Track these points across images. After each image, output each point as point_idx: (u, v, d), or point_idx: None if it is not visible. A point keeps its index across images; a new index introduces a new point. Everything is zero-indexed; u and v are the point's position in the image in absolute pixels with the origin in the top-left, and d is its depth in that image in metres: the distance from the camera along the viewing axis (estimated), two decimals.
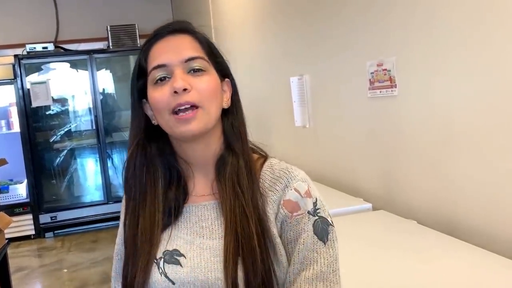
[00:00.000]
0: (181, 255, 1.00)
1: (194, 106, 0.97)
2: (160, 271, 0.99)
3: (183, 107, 0.96)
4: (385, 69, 2.15)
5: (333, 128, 2.78)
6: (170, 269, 0.99)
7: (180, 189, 1.05)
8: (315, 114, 2.99)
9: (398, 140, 2.16)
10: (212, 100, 1.00)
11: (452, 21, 1.75)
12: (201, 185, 1.06)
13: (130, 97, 1.06)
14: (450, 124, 1.82)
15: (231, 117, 1.07)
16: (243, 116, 1.09)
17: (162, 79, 0.99)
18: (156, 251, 1.01)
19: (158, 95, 0.98)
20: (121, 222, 1.13)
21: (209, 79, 1.00)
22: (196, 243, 1.00)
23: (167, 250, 1.01)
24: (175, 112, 0.97)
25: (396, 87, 2.10)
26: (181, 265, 0.99)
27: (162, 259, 1.00)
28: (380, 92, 2.22)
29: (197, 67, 0.99)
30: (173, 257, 1.00)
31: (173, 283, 0.98)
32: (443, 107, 1.85)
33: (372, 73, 2.26)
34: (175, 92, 0.96)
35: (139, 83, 1.04)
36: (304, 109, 3.07)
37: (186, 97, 0.96)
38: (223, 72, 1.06)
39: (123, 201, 1.13)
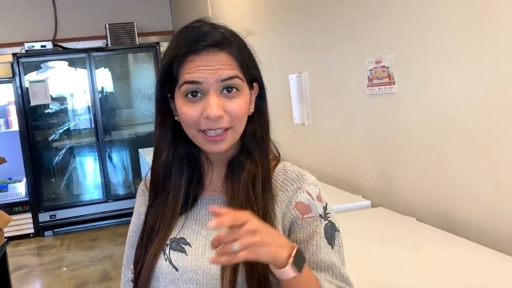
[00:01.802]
0: (187, 243, 1.02)
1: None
2: (165, 257, 1.02)
3: (213, 132, 0.97)
4: (384, 66, 2.15)
5: (332, 125, 2.78)
6: (175, 256, 1.02)
7: (200, 184, 1.09)
8: (314, 112, 2.99)
9: (397, 137, 2.16)
10: (242, 120, 1.01)
11: (450, 18, 1.75)
12: (216, 181, 1.09)
13: (155, 96, 1.05)
14: (449, 121, 1.82)
15: (254, 123, 1.06)
16: (267, 121, 1.09)
17: (194, 94, 0.97)
18: (167, 238, 1.04)
19: (188, 112, 0.98)
20: (134, 210, 1.17)
21: (241, 100, 0.99)
22: (203, 234, 1.03)
23: (174, 238, 1.04)
24: (204, 131, 0.98)
25: (394, 84, 2.10)
26: (186, 253, 1.01)
27: (169, 246, 1.03)
28: (379, 89, 2.22)
29: (231, 86, 0.98)
30: (179, 244, 1.03)
31: (177, 270, 1.01)
32: (441, 104, 1.85)
33: (370, 70, 2.26)
34: (208, 118, 0.96)
35: (165, 86, 1.02)
36: (303, 107, 3.07)
37: (219, 124, 0.97)
38: (254, 79, 1.05)
39: (140, 190, 1.17)
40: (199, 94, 0.97)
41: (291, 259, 0.85)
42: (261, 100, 1.08)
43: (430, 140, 1.94)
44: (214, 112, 0.95)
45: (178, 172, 1.06)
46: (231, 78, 0.97)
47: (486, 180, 1.68)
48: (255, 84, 1.06)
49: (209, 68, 0.96)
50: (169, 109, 1.05)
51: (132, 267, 1.10)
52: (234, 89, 0.98)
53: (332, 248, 1.02)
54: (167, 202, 1.06)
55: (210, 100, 0.96)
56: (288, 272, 0.85)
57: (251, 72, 1.03)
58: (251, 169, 1.03)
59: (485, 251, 1.55)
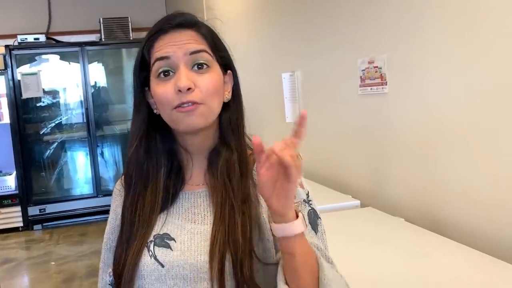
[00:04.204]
0: (172, 239, 1.01)
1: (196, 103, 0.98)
2: (150, 253, 1.00)
3: (185, 105, 0.98)
4: (376, 67, 2.16)
5: (324, 125, 2.79)
6: (160, 252, 1.00)
7: (179, 177, 1.08)
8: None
9: (388, 138, 2.16)
10: (214, 97, 1.01)
11: (444, 20, 1.76)
12: (197, 174, 1.08)
13: (133, 87, 1.07)
14: (440, 123, 1.82)
15: (230, 111, 1.07)
16: (242, 109, 1.10)
17: (166, 73, 0.99)
18: (149, 235, 1.03)
19: (162, 91, 0.99)
20: (111, 211, 1.14)
21: (212, 76, 1.00)
22: (187, 228, 1.02)
23: (158, 234, 1.02)
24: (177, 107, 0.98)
25: (386, 85, 2.11)
26: (171, 249, 1.00)
27: (153, 242, 1.02)
28: (371, 89, 2.22)
29: (201, 61, 0.99)
30: (164, 240, 1.01)
31: (162, 266, 0.99)
32: (433, 105, 1.86)
33: (363, 70, 2.26)
34: (179, 90, 0.96)
35: (141, 75, 1.04)
36: (295, 106, 3.07)
37: (189, 96, 0.97)
38: (226, 65, 1.07)
39: (116, 190, 1.15)
40: (171, 73, 0.99)
41: (301, 214, 0.86)
42: (235, 87, 1.09)
43: (421, 141, 1.94)
44: (183, 83, 0.96)
45: (155, 166, 1.06)
46: (199, 51, 0.99)
47: (475, 182, 1.68)
48: (229, 72, 1.08)
49: (176, 43, 0.99)
50: (145, 101, 1.06)
51: (110, 270, 1.08)
52: (205, 66, 1.00)
53: (316, 234, 1.02)
54: (145, 196, 1.05)
55: (180, 73, 0.97)
56: (300, 224, 0.85)
57: (221, 53, 1.05)
58: (227, 156, 1.04)
59: (473, 253, 1.56)
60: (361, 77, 2.29)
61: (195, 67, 0.99)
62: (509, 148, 1.54)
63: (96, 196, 6.03)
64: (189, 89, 0.97)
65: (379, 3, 2.12)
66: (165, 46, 0.99)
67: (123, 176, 1.13)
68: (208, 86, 0.99)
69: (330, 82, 2.66)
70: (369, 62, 2.21)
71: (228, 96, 1.07)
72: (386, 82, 2.11)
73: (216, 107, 1.02)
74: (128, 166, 1.08)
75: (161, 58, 0.99)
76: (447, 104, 1.78)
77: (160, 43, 1.00)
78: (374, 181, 2.30)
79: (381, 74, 2.13)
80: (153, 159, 1.06)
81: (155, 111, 1.05)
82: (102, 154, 6.23)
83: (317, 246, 0.99)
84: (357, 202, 2.26)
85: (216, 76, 1.02)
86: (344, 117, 2.53)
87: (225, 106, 1.06)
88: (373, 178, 2.32)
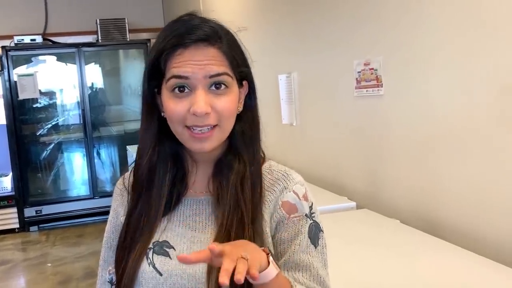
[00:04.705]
0: (171, 247, 1.00)
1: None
2: (149, 261, 0.99)
3: (199, 129, 0.95)
4: (372, 69, 2.16)
5: (320, 126, 2.79)
6: (159, 260, 0.99)
7: (183, 183, 1.06)
8: (302, 112, 2.99)
9: (383, 140, 2.17)
10: (229, 118, 0.98)
11: (440, 22, 1.76)
12: (200, 181, 1.06)
13: (142, 92, 1.02)
14: (436, 125, 1.83)
15: (243, 122, 1.04)
16: (257, 121, 1.06)
17: (181, 89, 0.94)
18: (149, 241, 1.01)
19: (174, 107, 0.95)
20: (112, 210, 1.13)
21: (229, 98, 0.96)
22: (187, 237, 1.00)
23: (157, 241, 1.01)
24: (190, 127, 0.95)
25: (382, 87, 2.11)
26: (170, 257, 0.99)
27: (152, 250, 1.00)
28: (367, 91, 2.22)
29: (219, 82, 0.95)
30: (163, 248, 1.00)
31: (161, 275, 0.98)
32: (428, 107, 1.86)
33: (359, 72, 2.27)
34: (195, 114, 0.93)
35: (152, 81, 0.99)
36: (292, 107, 3.07)
37: (205, 121, 0.94)
38: (244, 77, 1.03)
39: (117, 189, 1.13)
40: (186, 90, 0.94)
41: (271, 258, 0.84)
42: (251, 99, 1.05)
43: (417, 143, 1.94)
44: (201, 109, 0.92)
45: (162, 171, 1.03)
46: (219, 74, 0.94)
47: (471, 184, 1.68)
48: (244, 82, 1.04)
49: (197, 63, 0.93)
50: (155, 105, 1.02)
51: (110, 268, 1.07)
52: (223, 86, 0.95)
53: (316, 248, 1.00)
54: (150, 201, 1.03)
55: (198, 96, 0.93)
56: (272, 270, 0.83)
57: (240, 69, 1.00)
58: (240, 170, 1.00)
59: (467, 255, 1.56)
60: (357, 78, 2.29)
61: (213, 87, 0.95)
62: (505, 150, 1.54)
63: (93, 198, 6.01)
64: (205, 113, 0.93)
65: (376, 5, 2.13)
66: (185, 64, 0.93)
67: (124, 176, 1.12)
68: (225, 108, 0.95)
69: (326, 84, 2.66)
70: (365, 64, 2.21)
71: (240, 107, 1.02)
72: (382, 84, 2.11)
73: (230, 127, 0.99)
74: (138, 171, 1.05)
75: (179, 77, 0.94)
76: (443, 106, 1.78)
77: (179, 58, 0.94)
78: (370, 183, 2.31)
79: (376, 76, 2.14)
80: (162, 164, 1.03)
81: (162, 114, 1.01)
82: (98, 155, 6.23)
83: (309, 264, 0.98)
84: (353, 203, 2.26)
85: (233, 97, 0.98)
86: (340, 119, 2.54)
87: (238, 116, 1.02)
88: (369, 180, 2.32)
